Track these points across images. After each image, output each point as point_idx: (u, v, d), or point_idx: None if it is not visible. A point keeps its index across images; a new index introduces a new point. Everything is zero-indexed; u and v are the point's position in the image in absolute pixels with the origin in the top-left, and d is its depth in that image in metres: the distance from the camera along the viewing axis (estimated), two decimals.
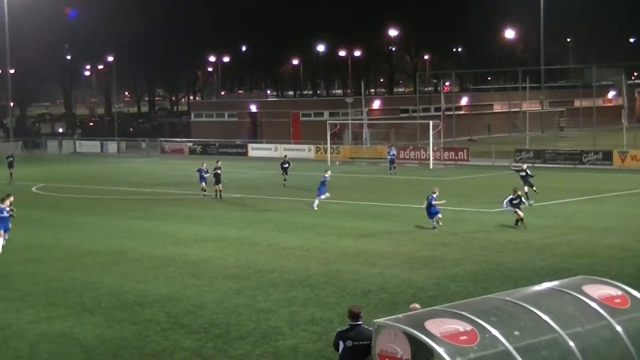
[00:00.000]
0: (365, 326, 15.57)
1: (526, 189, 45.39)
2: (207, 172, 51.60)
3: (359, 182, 60.82)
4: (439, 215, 38.08)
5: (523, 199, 40.03)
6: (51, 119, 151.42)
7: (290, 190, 54.63)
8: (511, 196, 38.57)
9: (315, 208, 44.52)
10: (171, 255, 33.49)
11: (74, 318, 24.62)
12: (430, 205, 38.13)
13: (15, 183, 62.07)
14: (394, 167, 65.09)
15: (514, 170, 49.79)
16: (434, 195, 38.15)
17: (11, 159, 66.81)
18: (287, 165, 58.03)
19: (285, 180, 57.39)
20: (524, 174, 46.44)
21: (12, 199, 35.71)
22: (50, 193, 56.88)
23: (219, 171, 51.65)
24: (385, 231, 38.62)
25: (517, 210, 38.30)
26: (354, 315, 15.65)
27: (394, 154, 66.45)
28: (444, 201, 38.87)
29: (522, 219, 38.01)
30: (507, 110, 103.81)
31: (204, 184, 51.70)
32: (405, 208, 44.14)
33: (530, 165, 56.50)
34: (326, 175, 46.00)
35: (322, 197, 45.12)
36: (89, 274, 30.72)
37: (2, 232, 34.59)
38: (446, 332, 14.20)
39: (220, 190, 51.32)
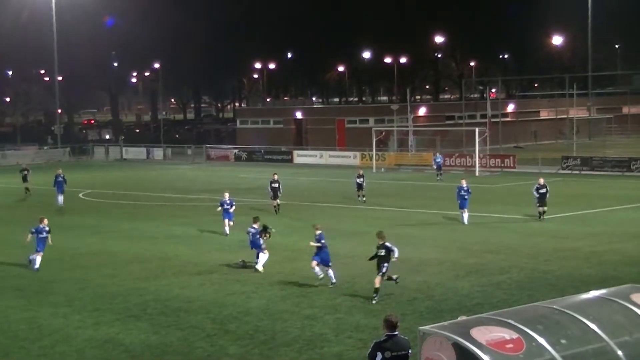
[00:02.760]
0: (402, 335, 15.42)
1: (540, 208, 42.45)
2: (230, 204, 40.35)
3: (404, 189, 60.65)
4: None
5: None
6: (98, 125, 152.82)
7: (335, 197, 54.57)
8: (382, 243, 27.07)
9: None
10: (216, 261, 33.55)
11: (120, 324, 24.77)
12: None
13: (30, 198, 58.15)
14: (441, 174, 64.87)
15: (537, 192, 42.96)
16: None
17: (25, 172, 59.86)
18: (361, 179, 51.30)
19: (360, 197, 51.41)
20: (544, 190, 42.38)
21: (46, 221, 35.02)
22: (97, 199, 57.30)
23: (275, 185, 47.58)
24: (431, 238, 38.48)
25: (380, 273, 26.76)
26: (392, 325, 15.29)
27: (440, 160, 66.25)
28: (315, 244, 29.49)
29: (377, 289, 26.72)
30: (554, 117, 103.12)
31: (227, 220, 40.15)
32: (451, 215, 43.85)
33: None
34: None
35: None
36: (134, 279, 30.91)
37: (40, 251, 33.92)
38: (492, 340, 14.12)
39: (277, 205, 47.50)
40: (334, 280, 28.85)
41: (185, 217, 47.30)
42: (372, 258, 27.18)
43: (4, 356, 22.20)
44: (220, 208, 40.60)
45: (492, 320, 14.99)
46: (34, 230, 33.52)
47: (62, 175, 53.54)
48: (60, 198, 52.65)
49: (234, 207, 40.59)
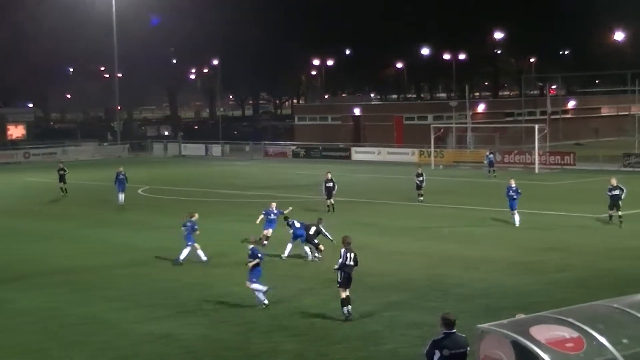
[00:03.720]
0: (459, 333, 15.27)
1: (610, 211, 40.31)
2: (277, 213, 36.64)
3: (462, 186, 60.23)
4: None
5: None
6: (156, 122, 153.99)
7: (391, 194, 54.35)
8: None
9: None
10: (274, 257, 33.51)
11: (177, 319, 24.85)
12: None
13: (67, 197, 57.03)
14: (494, 170, 64.54)
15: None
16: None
17: (62, 171, 57.21)
18: (421, 178, 50.02)
19: (420, 196, 50.08)
20: (616, 192, 39.35)
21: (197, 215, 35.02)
22: (156, 195, 57.60)
23: (329, 184, 46.57)
24: (487, 235, 38.16)
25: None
26: (450, 323, 15.26)
27: (492, 157, 65.89)
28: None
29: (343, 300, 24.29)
30: (616, 113, 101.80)
31: (270, 230, 36.54)
32: (508, 213, 43.32)
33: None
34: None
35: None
36: (191, 275, 31.01)
37: (195, 244, 33.30)
38: (552, 338, 13.92)
39: (332, 204, 46.26)
40: (265, 302, 25.76)
41: (241, 213, 47.29)
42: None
43: (62, 350, 22.35)
44: (262, 217, 36.78)
45: (551, 318, 14.77)
46: (188, 225, 33.70)
47: (123, 173, 52.12)
48: (121, 196, 51.56)
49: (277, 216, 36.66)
